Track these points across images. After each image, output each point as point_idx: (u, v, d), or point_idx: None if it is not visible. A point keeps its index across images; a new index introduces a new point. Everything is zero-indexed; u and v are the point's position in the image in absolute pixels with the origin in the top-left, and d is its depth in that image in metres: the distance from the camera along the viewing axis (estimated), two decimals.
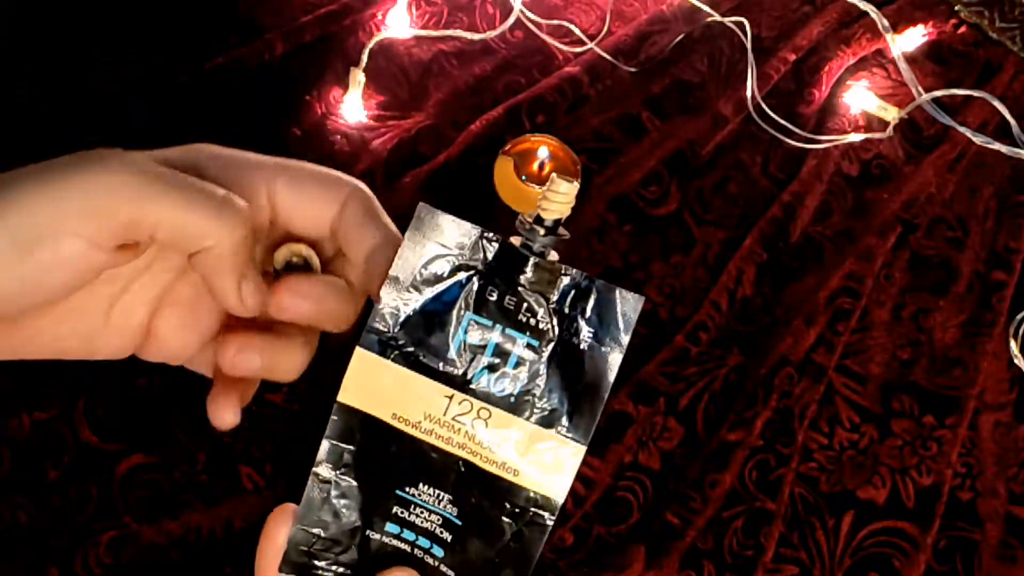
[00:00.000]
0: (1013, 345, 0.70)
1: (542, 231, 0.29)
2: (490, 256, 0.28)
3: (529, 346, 0.27)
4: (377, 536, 0.27)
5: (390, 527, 0.27)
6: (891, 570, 0.63)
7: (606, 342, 0.27)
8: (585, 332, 0.27)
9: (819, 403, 0.66)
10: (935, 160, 0.76)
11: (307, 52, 0.73)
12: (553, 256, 0.29)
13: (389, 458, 0.26)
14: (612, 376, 0.26)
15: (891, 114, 0.77)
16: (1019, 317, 0.71)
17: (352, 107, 0.71)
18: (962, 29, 0.82)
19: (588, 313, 0.27)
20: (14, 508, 0.56)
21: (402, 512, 0.27)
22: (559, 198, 0.28)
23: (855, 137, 0.76)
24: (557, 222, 0.29)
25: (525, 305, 0.27)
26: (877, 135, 0.76)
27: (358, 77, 0.72)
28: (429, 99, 0.74)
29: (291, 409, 0.61)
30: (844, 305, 0.69)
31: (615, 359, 0.27)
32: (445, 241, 0.28)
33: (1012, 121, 0.78)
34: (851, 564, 0.63)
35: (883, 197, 0.74)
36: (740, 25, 0.79)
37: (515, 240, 0.29)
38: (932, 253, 0.73)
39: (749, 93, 0.76)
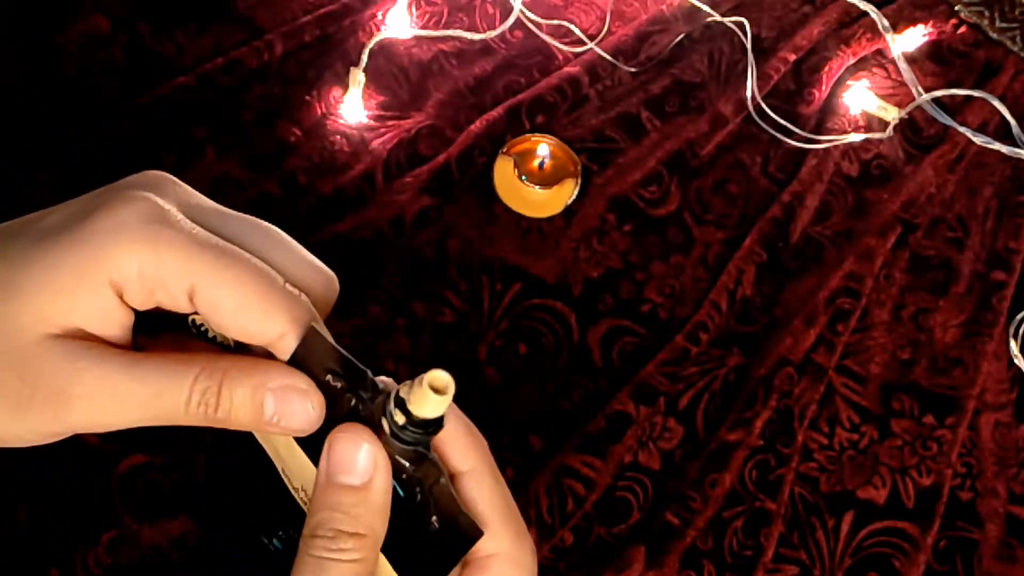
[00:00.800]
0: (1013, 345, 0.70)
1: (411, 429, 0.28)
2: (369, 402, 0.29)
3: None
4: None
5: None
6: (891, 570, 0.63)
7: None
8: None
9: (819, 403, 0.66)
10: (935, 160, 0.76)
11: (307, 52, 0.73)
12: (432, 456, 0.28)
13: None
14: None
15: (891, 114, 0.77)
16: (1019, 317, 0.71)
17: (352, 107, 0.71)
18: (962, 29, 0.82)
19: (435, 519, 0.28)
20: (14, 508, 0.56)
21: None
22: (429, 402, 0.28)
23: (855, 137, 0.76)
24: (429, 421, 0.29)
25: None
26: (877, 135, 0.76)
27: (358, 77, 0.72)
28: (429, 99, 0.74)
29: None
30: (844, 305, 0.69)
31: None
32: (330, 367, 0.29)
33: (1012, 121, 0.78)
34: (851, 564, 0.63)
35: (883, 197, 0.74)
36: (740, 25, 0.79)
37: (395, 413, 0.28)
38: (932, 253, 0.73)
39: (749, 93, 0.76)
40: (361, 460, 0.27)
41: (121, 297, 0.27)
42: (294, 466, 0.30)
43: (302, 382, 0.28)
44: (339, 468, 0.28)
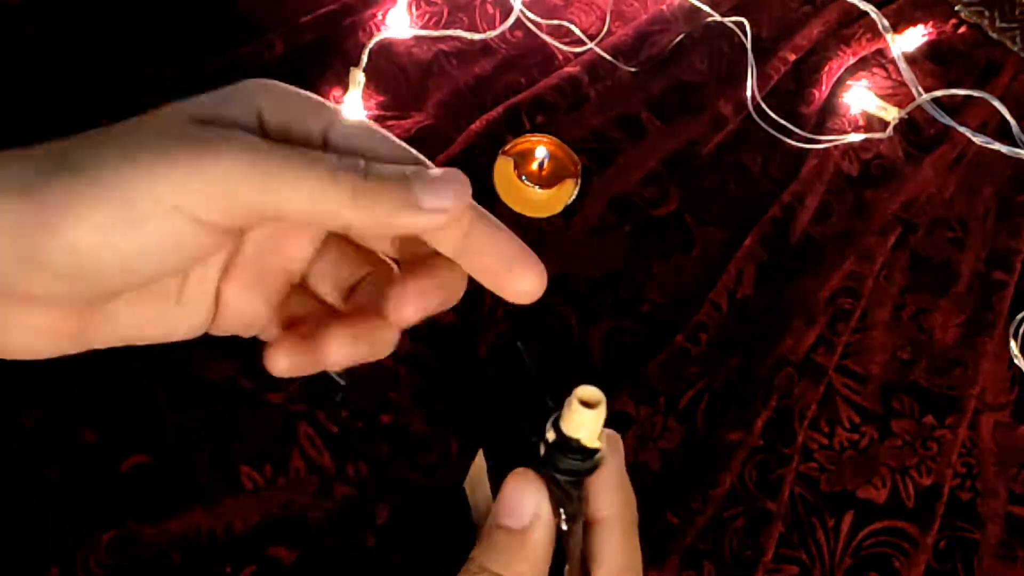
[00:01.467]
0: (1013, 345, 0.70)
1: (568, 458, 0.29)
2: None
3: None
4: None
5: None
6: (891, 570, 0.63)
7: None
8: None
9: (819, 403, 0.66)
10: (935, 160, 0.76)
11: (307, 52, 0.73)
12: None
13: None
14: None
15: (891, 114, 0.77)
16: (1019, 317, 0.71)
17: (352, 107, 0.71)
18: (962, 29, 0.82)
19: None
20: (14, 508, 0.56)
21: None
22: (579, 417, 0.28)
23: (855, 137, 0.76)
24: (585, 449, 0.29)
25: None
26: (877, 135, 0.76)
27: (358, 77, 0.72)
28: (429, 99, 0.74)
29: (290, 410, 0.61)
30: (844, 305, 0.69)
31: None
32: None
33: (1012, 121, 0.78)
34: (851, 564, 0.63)
35: (883, 197, 0.74)
36: (740, 25, 0.79)
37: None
38: (932, 253, 0.73)
39: (749, 93, 0.76)
40: (525, 506, 0.28)
41: (262, 123, 0.27)
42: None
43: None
44: (504, 510, 0.28)
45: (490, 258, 0.28)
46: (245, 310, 0.30)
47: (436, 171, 0.28)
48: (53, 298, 0.25)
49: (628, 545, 0.30)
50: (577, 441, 0.28)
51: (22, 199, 0.24)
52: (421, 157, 0.29)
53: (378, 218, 0.26)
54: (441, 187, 0.27)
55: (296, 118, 0.28)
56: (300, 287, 0.31)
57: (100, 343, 0.28)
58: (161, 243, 0.25)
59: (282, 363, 0.28)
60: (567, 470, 0.28)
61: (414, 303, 0.27)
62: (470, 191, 0.28)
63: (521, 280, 0.28)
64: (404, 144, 0.29)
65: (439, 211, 0.27)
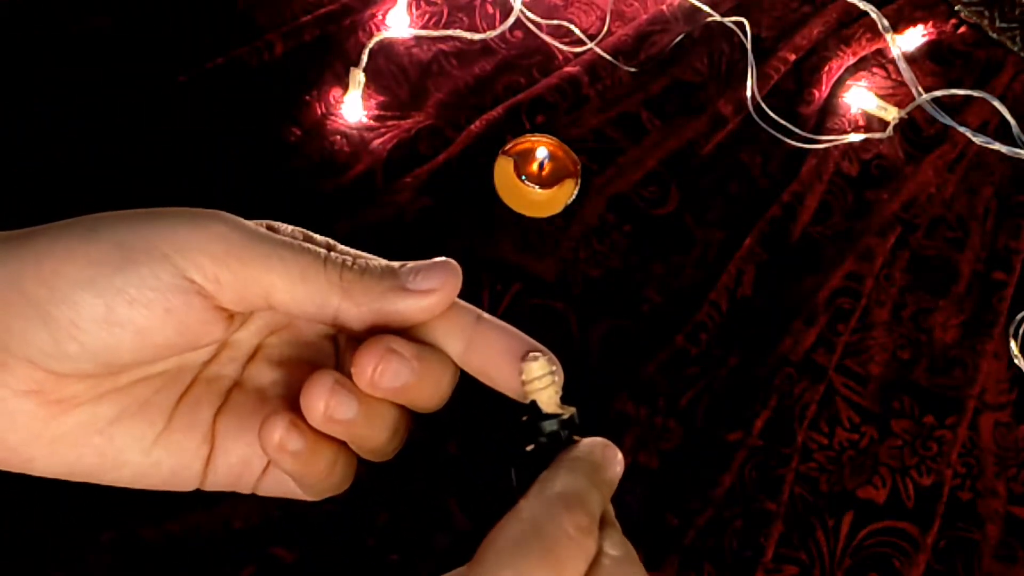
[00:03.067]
0: (1013, 345, 0.70)
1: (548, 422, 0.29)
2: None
3: None
4: None
5: None
6: (891, 570, 0.63)
7: None
8: None
9: (819, 403, 0.66)
10: (935, 160, 0.76)
11: (307, 52, 0.73)
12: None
13: None
14: None
15: (891, 114, 0.77)
16: (1019, 317, 0.71)
17: (352, 107, 0.71)
18: (962, 29, 0.82)
19: None
20: (14, 508, 0.56)
21: None
22: (537, 382, 0.29)
23: (855, 137, 0.76)
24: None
25: None
26: (877, 135, 0.76)
27: (358, 77, 0.72)
28: (429, 99, 0.74)
29: None
30: (844, 305, 0.69)
31: None
32: None
33: (1012, 121, 0.78)
34: (851, 564, 0.63)
35: (883, 197, 0.74)
36: (740, 25, 0.79)
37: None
38: (932, 253, 0.73)
39: (749, 93, 0.76)
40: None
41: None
42: None
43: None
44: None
45: (497, 353, 0.28)
46: (241, 452, 0.28)
47: (424, 261, 0.28)
48: (37, 353, 0.24)
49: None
50: (535, 403, 0.28)
51: (17, 243, 0.24)
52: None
53: (367, 303, 0.25)
54: (429, 270, 0.27)
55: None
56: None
57: (46, 467, 0.27)
58: (151, 290, 0.24)
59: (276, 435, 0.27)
60: (535, 439, 0.29)
61: (374, 359, 0.25)
62: (460, 275, 0.27)
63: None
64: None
65: (427, 292, 0.26)
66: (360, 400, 0.25)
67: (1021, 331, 0.71)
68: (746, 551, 0.62)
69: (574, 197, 0.70)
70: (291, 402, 0.26)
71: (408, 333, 0.27)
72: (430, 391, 0.27)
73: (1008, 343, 0.70)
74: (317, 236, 0.27)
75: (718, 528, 0.62)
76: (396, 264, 0.27)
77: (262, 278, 0.25)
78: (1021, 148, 0.77)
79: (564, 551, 0.25)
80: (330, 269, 0.26)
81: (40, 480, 0.56)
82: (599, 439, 0.30)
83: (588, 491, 0.27)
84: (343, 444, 0.27)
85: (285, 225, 0.27)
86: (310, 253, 0.26)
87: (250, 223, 0.26)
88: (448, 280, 0.27)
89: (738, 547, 0.62)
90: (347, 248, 0.27)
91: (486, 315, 0.28)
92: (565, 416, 0.28)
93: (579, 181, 0.71)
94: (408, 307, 0.26)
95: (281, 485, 0.29)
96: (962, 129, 0.77)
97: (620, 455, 0.30)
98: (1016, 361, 0.70)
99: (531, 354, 0.27)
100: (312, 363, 0.27)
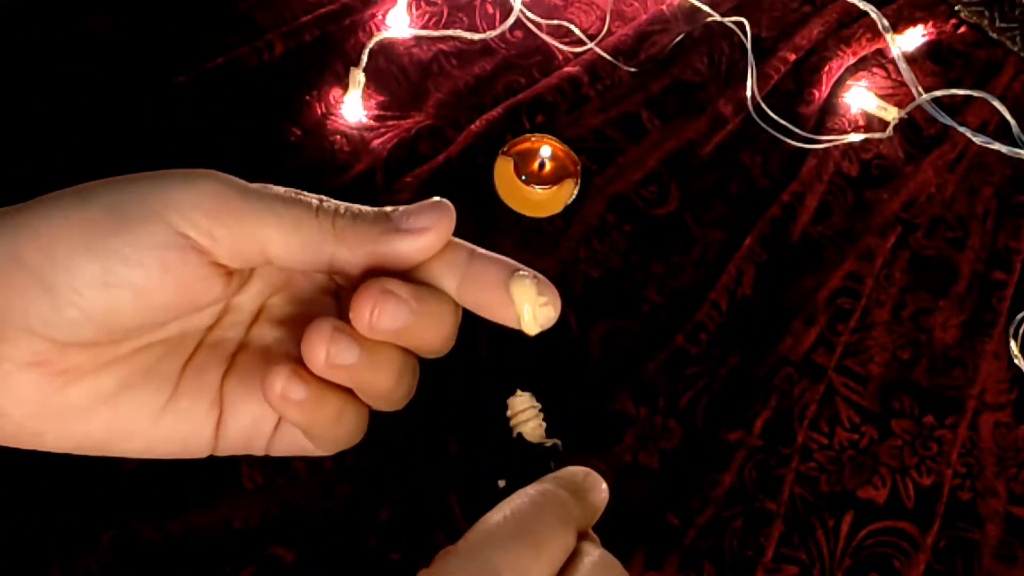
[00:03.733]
0: (1013, 345, 0.70)
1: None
2: None
3: None
4: None
5: None
6: (891, 570, 0.63)
7: None
8: None
9: (819, 403, 0.66)
10: (935, 160, 0.76)
11: (307, 52, 0.73)
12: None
13: None
14: None
15: (891, 114, 0.77)
16: (1019, 317, 0.71)
17: (352, 107, 0.71)
18: (962, 29, 0.82)
19: None
20: (14, 508, 0.56)
21: None
22: (521, 415, 0.29)
23: (855, 137, 0.76)
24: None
25: None
26: (877, 135, 0.76)
27: (358, 77, 0.72)
28: (429, 99, 0.74)
29: None
30: (844, 305, 0.69)
31: None
32: None
33: (1012, 121, 0.78)
34: (851, 564, 0.63)
35: (883, 197, 0.74)
36: (740, 25, 0.79)
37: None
38: (932, 253, 0.73)
39: (749, 93, 0.76)
40: None
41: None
42: None
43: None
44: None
45: (493, 287, 0.27)
46: (251, 412, 0.28)
47: (416, 204, 0.28)
48: (46, 325, 0.24)
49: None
50: (520, 435, 0.29)
51: (10, 217, 0.24)
52: None
53: (362, 246, 0.25)
54: (421, 210, 0.27)
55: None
56: None
57: (56, 442, 0.27)
58: (147, 248, 0.24)
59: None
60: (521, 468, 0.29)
61: (371, 301, 0.25)
62: (453, 214, 0.27)
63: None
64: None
65: (422, 231, 0.26)
66: (361, 344, 0.25)
67: (1021, 331, 0.71)
68: (746, 551, 0.62)
69: (574, 197, 0.70)
70: (297, 358, 0.26)
71: (405, 276, 0.26)
72: (432, 332, 0.27)
73: (1008, 343, 0.70)
74: (307, 193, 0.27)
75: (718, 528, 0.62)
76: (388, 208, 0.27)
77: (256, 231, 0.25)
78: (1021, 148, 0.77)
79: (545, 536, 0.27)
80: (322, 217, 0.26)
81: (40, 480, 0.56)
82: (583, 467, 0.31)
83: (569, 499, 0.29)
84: (350, 392, 0.27)
85: (277, 187, 0.28)
86: (302, 203, 0.26)
87: (242, 181, 0.26)
88: (442, 218, 0.27)
89: (738, 547, 0.62)
90: (338, 201, 0.27)
91: (479, 249, 0.29)
92: (548, 444, 0.29)
93: (579, 181, 0.71)
94: (403, 248, 0.26)
95: (293, 443, 0.29)
96: (962, 129, 0.77)
97: (604, 484, 0.31)
98: (1016, 361, 0.70)
99: (517, 272, 0.27)
100: (315, 319, 0.27)
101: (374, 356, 0.25)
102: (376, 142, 0.71)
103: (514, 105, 0.73)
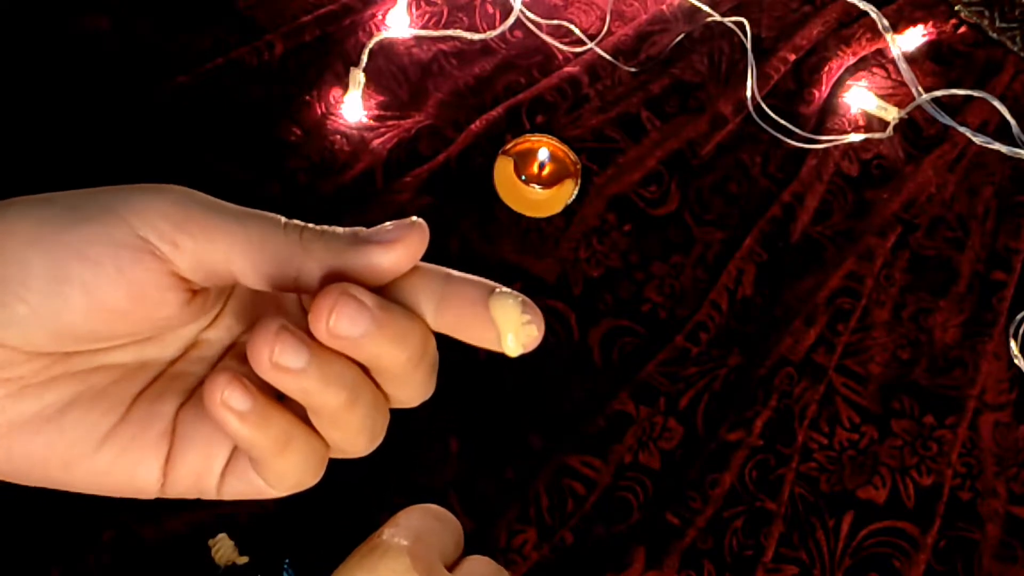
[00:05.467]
0: (1013, 345, 0.70)
1: None
2: None
3: None
4: None
5: None
6: (891, 570, 0.63)
7: None
8: None
9: (819, 403, 0.66)
10: (935, 160, 0.76)
11: (307, 52, 0.73)
12: None
13: None
14: None
15: (891, 114, 0.77)
16: (1019, 317, 0.71)
17: (352, 107, 0.71)
18: (962, 29, 0.82)
19: None
20: (14, 508, 0.56)
21: None
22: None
23: (855, 137, 0.76)
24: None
25: None
26: (877, 135, 0.76)
27: (358, 77, 0.72)
28: (429, 99, 0.74)
29: None
30: (844, 305, 0.69)
31: None
32: None
33: (1012, 121, 0.78)
34: (851, 564, 0.63)
35: (883, 197, 0.74)
36: (740, 25, 0.79)
37: None
38: (932, 253, 0.73)
39: (749, 93, 0.76)
40: None
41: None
42: None
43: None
44: None
45: (472, 305, 0.25)
46: (202, 446, 0.26)
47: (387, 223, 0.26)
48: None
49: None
50: None
51: None
52: None
53: (329, 259, 0.24)
54: (393, 225, 0.25)
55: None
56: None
57: (17, 474, 0.25)
58: (102, 245, 0.23)
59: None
60: None
61: (330, 301, 0.23)
62: (427, 232, 0.26)
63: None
64: None
65: (391, 243, 0.25)
66: (312, 351, 0.23)
67: (1021, 331, 0.71)
68: (746, 551, 0.62)
69: (574, 197, 0.70)
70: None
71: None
72: (396, 351, 0.25)
73: (1008, 343, 0.70)
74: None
75: (718, 528, 0.62)
76: (358, 228, 0.26)
77: (221, 243, 0.24)
78: (1021, 148, 0.77)
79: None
80: (289, 230, 0.25)
81: None
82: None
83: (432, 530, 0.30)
84: (304, 421, 0.25)
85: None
86: (269, 217, 0.25)
87: (210, 197, 0.25)
88: (414, 233, 0.25)
89: (738, 547, 0.62)
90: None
91: (456, 272, 0.27)
92: (241, 563, 0.29)
93: (579, 181, 0.71)
94: (372, 259, 0.25)
95: (246, 483, 0.27)
96: (962, 129, 0.77)
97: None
98: (1016, 361, 0.70)
99: (497, 290, 0.26)
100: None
101: (326, 367, 0.24)
102: (376, 142, 0.71)
103: (514, 105, 0.73)
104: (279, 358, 0.23)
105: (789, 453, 0.64)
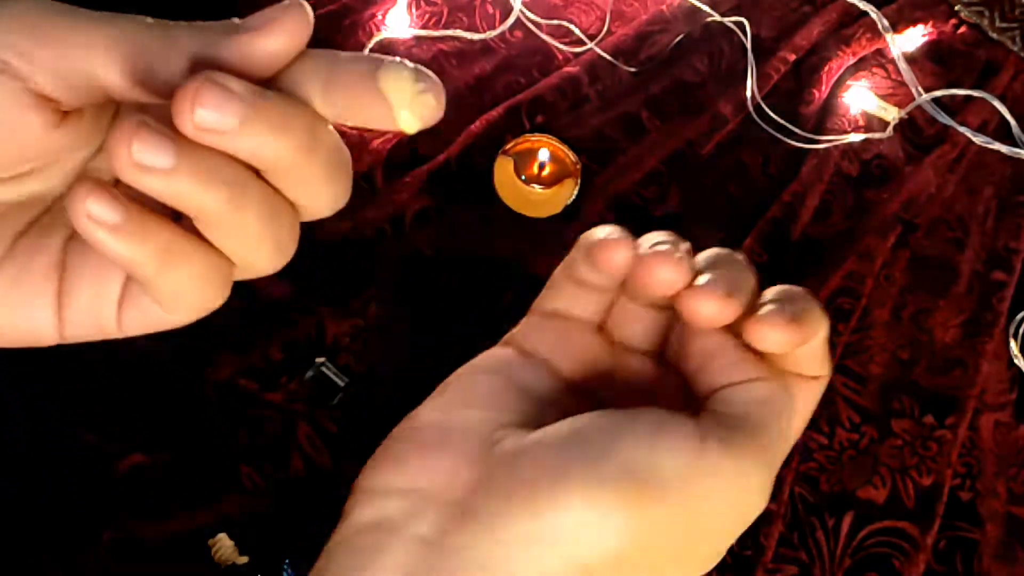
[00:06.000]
0: (1013, 345, 0.70)
1: None
2: None
3: None
4: None
5: None
6: (891, 570, 0.63)
7: None
8: None
9: (819, 403, 0.66)
10: (935, 160, 0.76)
11: None
12: None
13: None
14: None
15: (891, 114, 0.77)
16: (1019, 317, 0.71)
17: None
18: (962, 29, 0.82)
19: None
20: (15, 508, 0.56)
21: None
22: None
23: (855, 137, 0.76)
24: None
25: None
26: (877, 135, 0.76)
27: None
28: None
29: (290, 408, 0.61)
30: (844, 305, 0.69)
31: None
32: None
33: (1012, 121, 0.78)
34: (851, 564, 0.63)
35: (883, 197, 0.74)
36: (740, 25, 0.79)
37: None
38: (932, 253, 0.73)
39: (749, 93, 0.76)
40: None
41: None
42: None
43: None
44: None
45: (360, 80, 0.23)
46: (94, 278, 0.24)
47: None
48: None
49: None
50: None
51: None
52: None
53: (203, 51, 0.21)
54: (269, 10, 0.22)
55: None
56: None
57: None
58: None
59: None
60: None
61: (192, 89, 0.21)
62: (308, 13, 0.23)
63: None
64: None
65: (269, 25, 0.22)
66: (180, 146, 0.21)
67: (1021, 331, 0.71)
68: (746, 551, 0.62)
69: (574, 197, 0.70)
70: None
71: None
72: (278, 141, 0.22)
73: (1008, 343, 0.70)
74: None
75: None
76: (232, 19, 0.23)
77: (84, 49, 0.21)
78: (1021, 148, 0.77)
79: None
80: (155, 26, 0.22)
81: (41, 479, 0.56)
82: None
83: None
84: (195, 236, 0.23)
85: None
86: (132, 17, 0.22)
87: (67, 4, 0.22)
88: (290, 14, 0.23)
89: (738, 547, 0.62)
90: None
91: (344, 53, 0.24)
92: (241, 563, 0.29)
93: (579, 181, 0.71)
94: (247, 48, 0.22)
95: (143, 313, 0.25)
96: (962, 129, 0.77)
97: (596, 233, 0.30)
98: (1016, 361, 0.70)
99: (386, 61, 0.24)
100: None
101: (197, 163, 0.21)
102: (376, 142, 0.71)
103: (514, 105, 0.73)
104: (140, 156, 0.20)
105: (789, 453, 0.64)
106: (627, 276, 0.29)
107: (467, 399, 0.28)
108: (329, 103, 0.23)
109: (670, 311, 0.31)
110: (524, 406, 0.28)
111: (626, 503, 0.23)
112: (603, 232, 0.28)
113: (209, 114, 0.21)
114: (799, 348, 0.27)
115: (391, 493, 0.26)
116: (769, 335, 0.27)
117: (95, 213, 0.21)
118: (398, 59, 0.23)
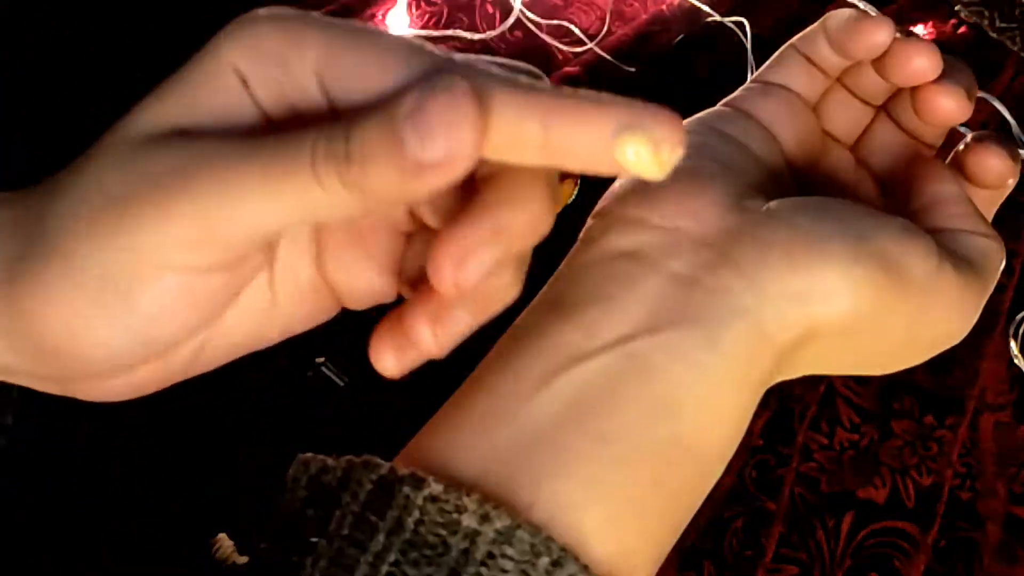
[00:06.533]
0: (1013, 345, 0.70)
1: None
2: None
3: None
4: None
5: None
6: (891, 570, 0.63)
7: None
8: None
9: (819, 403, 0.66)
10: None
11: None
12: None
13: None
14: None
15: None
16: (1019, 317, 0.71)
17: None
18: (962, 29, 0.82)
19: None
20: (15, 508, 0.56)
21: None
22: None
23: None
24: None
25: None
26: None
27: None
28: None
29: (290, 411, 0.61)
30: None
31: None
32: None
33: (1012, 121, 0.78)
34: (851, 564, 0.63)
35: None
36: (740, 25, 0.79)
37: None
38: None
39: None
40: None
41: (246, 85, 0.23)
42: None
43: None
44: None
45: (584, 137, 0.21)
46: (359, 286, 0.27)
47: (427, 93, 0.20)
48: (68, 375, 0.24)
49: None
50: None
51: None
52: (438, 54, 0.22)
53: (380, 203, 0.21)
54: (432, 123, 0.20)
55: (284, 76, 0.23)
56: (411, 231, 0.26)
57: (202, 369, 0.26)
58: (162, 306, 0.22)
59: (389, 364, 0.25)
60: None
61: (452, 259, 0.22)
62: (474, 112, 0.20)
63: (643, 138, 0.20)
64: (414, 44, 0.22)
65: (436, 166, 0.20)
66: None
67: (1021, 331, 0.71)
68: (746, 551, 0.62)
69: (574, 197, 0.70)
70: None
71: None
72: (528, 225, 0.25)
73: (1008, 343, 0.70)
74: (300, 135, 0.22)
75: (718, 528, 0.62)
76: (399, 110, 0.20)
77: (257, 223, 0.21)
78: (1021, 148, 0.77)
79: None
80: (325, 179, 0.20)
81: (41, 479, 0.56)
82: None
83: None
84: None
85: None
86: (298, 165, 0.20)
87: (227, 144, 0.22)
88: (462, 124, 0.19)
89: (738, 547, 0.62)
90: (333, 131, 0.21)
91: (555, 92, 0.21)
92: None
93: (579, 181, 0.71)
94: (422, 188, 0.20)
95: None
96: (962, 129, 0.77)
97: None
98: (1016, 361, 0.70)
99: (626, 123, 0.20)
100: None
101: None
102: None
103: None
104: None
105: (789, 453, 0.64)
106: (879, 59, 0.32)
107: (714, 154, 0.29)
108: (548, 158, 0.23)
109: (874, 109, 0.36)
110: (756, 172, 0.29)
111: (875, 286, 0.25)
112: (857, 13, 0.31)
113: (471, 274, 0.23)
114: (1009, 180, 0.32)
115: (648, 226, 0.27)
116: (995, 166, 0.33)
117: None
118: (633, 128, 0.20)
